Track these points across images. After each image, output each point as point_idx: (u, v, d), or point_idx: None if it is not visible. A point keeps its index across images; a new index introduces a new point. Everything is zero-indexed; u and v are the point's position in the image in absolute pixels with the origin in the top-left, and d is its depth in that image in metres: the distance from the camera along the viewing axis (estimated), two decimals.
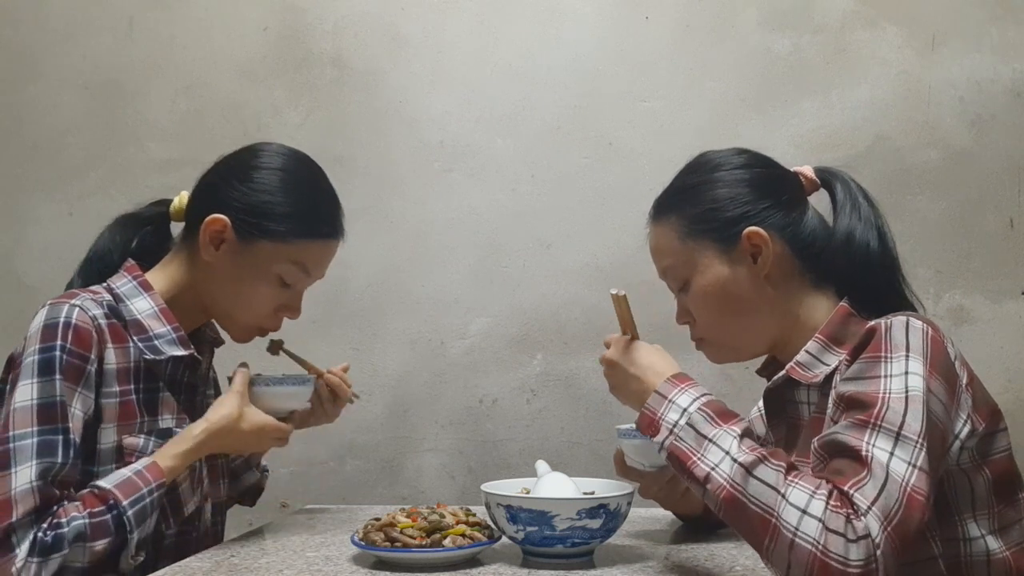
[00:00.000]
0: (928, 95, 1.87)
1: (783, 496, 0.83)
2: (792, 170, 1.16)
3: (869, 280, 1.06)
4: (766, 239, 1.07)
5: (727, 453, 0.89)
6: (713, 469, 0.88)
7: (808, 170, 1.16)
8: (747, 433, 0.91)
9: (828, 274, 1.10)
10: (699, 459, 0.90)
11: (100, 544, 1.04)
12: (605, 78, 1.93)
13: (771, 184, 1.13)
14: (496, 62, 1.95)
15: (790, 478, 0.85)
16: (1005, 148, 1.85)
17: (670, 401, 0.97)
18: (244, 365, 1.26)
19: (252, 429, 1.20)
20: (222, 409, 1.19)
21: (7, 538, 1.00)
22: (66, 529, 1.02)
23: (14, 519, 1.01)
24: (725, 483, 0.87)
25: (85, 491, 1.08)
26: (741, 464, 0.87)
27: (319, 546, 1.20)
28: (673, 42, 1.92)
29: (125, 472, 1.10)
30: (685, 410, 0.95)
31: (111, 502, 1.06)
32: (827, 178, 1.14)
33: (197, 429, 1.17)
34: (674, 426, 0.94)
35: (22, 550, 1.00)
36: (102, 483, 1.08)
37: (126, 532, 1.06)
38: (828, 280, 1.10)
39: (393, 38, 1.97)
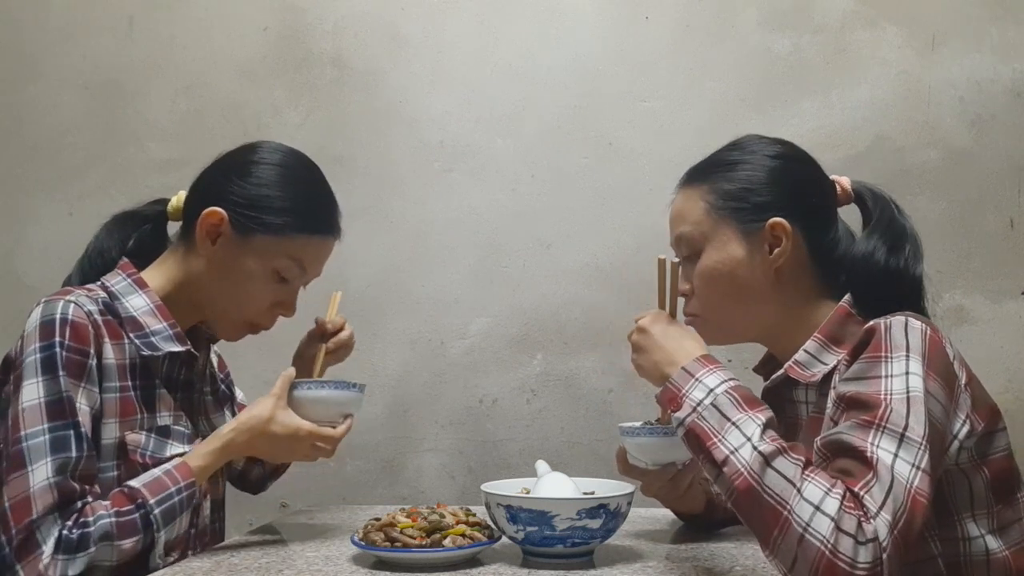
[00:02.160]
0: (928, 95, 1.87)
1: (798, 490, 0.83)
2: (831, 178, 1.16)
3: (881, 296, 1.04)
4: (789, 233, 1.08)
5: (748, 439, 0.88)
6: (732, 453, 0.88)
7: (846, 181, 1.16)
8: (771, 423, 0.91)
9: (840, 284, 1.09)
10: (719, 440, 0.90)
11: (128, 543, 1.05)
12: (605, 78, 1.93)
13: (807, 183, 1.13)
14: (496, 62, 1.95)
15: (806, 473, 0.84)
16: (1005, 148, 1.85)
17: (697, 379, 0.96)
18: (290, 368, 1.24)
19: (285, 433, 1.17)
20: (254, 409, 1.18)
21: (31, 536, 1.00)
22: (92, 528, 1.02)
23: (35, 516, 1.01)
24: (742, 469, 0.86)
25: (115, 491, 1.08)
26: (761, 453, 0.86)
27: (319, 546, 1.20)
28: (673, 42, 1.92)
29: (155, 472, 1.11)
30: (712, 390, 0.94)
31: (139, 501, 1.07)
32: (863, 194, 1.14)
33: (226, 428, 1.17)
34: (698, 404, 0.94)
35: (48, 547, 1.00)
36: (132, 483, 1.08)
37: (153, 531, 1.07)
38: (838, 289, 1.09)
39: (393, 38, 1.97)
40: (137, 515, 1.06)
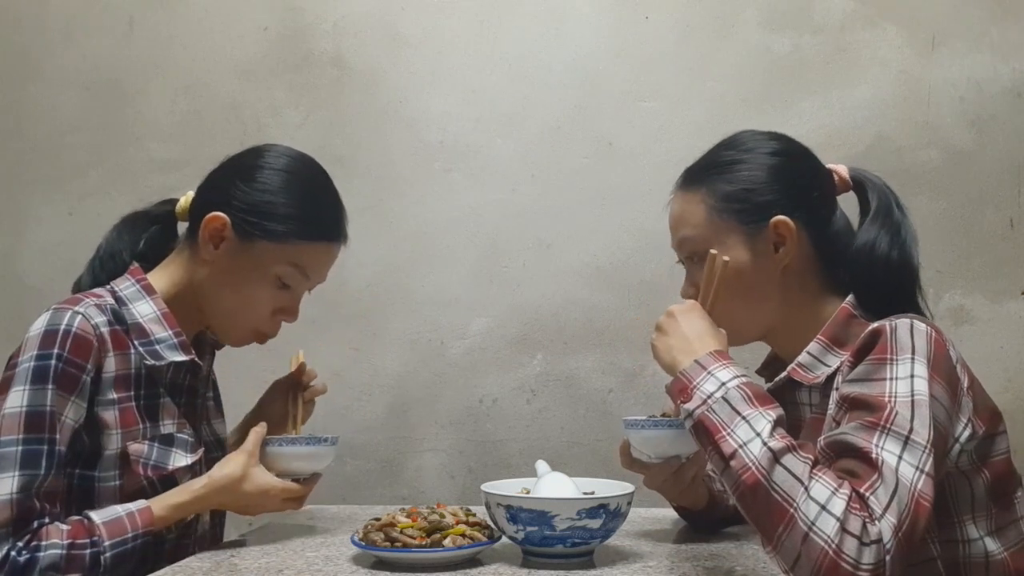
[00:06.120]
0: (928, 95, 1.87)
1: (806, 488, 0.82)
2: (827, 167, 1.16)
3: (884, 289, 1.05)
4: (793, 231, 1.07)
5: (758, 435, 0.87)
6: (741, 447, 0.87)
7: (843, 169, 1.15)
8: (781, 421, 0.90)
9: (843, 276, 1.09)
10: (728, 434, 0.89)
11: None
12: (605, 78, 1.93)
13: (806, 177, 1.12)
14: (496, 62, 1.95)
15: (815, 472, 0.84)
16: (1005, 148, 1.85)
17: (709, 372, 0.96)
18: (262, 424, 1.25)
19: (256, 491, 1.18)
20: (227, 467, 1.18)
21: None
22: (41, 554, 1.02)
23: None
24: (751, 464, 0.86)
25: (75, 519, 1.08)
26: (770, 448, 0.86)
27: (319, 546, 1.20)
28: (673, 42, 1.92)
29: (118, 510, 1.09)
30: (724, 384, 0.94)
31: (95, 538, 1.06)
32: (861, 181, 1.13)
33: (198, 484, 1.16)
34: (709, 397, 0.93)
35: None
36: (93, 515, 1.07)
37: (99, 571, 1.05)
38: (842, 282, 1.09)
39: (393, 38, 1.97)
40: (88, 552, 1.05)
